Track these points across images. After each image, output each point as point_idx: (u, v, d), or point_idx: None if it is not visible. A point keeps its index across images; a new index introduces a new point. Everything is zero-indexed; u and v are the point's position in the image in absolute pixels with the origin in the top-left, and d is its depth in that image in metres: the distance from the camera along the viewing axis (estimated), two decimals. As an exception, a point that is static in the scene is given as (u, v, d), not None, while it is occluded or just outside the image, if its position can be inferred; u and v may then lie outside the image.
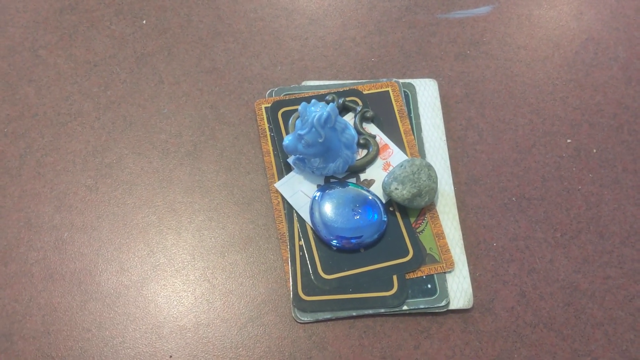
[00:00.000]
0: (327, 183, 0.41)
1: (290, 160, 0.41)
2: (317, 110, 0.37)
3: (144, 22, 0.48)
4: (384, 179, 0.40)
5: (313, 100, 0.39)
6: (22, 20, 0.48)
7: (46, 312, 0.37)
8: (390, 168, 0.41)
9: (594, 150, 0.44)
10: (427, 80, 0.46)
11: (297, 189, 0.40)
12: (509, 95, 0.46)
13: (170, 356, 0.35)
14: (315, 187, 0.40)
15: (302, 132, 0.38)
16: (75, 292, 0.37)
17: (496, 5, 0.50)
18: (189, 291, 0.37)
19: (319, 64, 0.46)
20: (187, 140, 0.43)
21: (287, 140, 0.39)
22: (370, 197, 0.39)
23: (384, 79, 0.45)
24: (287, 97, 0.44)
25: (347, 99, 0.44)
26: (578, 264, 0.40)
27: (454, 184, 0.42)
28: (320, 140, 0.38)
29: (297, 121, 0.39)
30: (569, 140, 0.44)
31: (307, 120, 0.37)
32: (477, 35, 0.49)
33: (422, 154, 0.43)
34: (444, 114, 0.45)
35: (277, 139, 0.42)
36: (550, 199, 0.42)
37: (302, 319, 0.37)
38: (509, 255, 0.40)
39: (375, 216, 0.39)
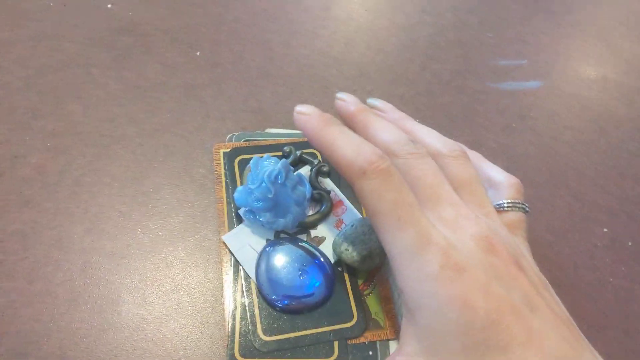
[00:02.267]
0: (277, 238, 0.40)
1: (241, 212, 0.40)
2: (269, 165, 0.37)
3: (198, 53, 0.48)
4: (335, 238, 0.39)
5: (266, 155, 0.38)
6: (78, 36, 0.48)
7: (65, 335, 0.37)
8: (343, 226, 0.41)
9: (629, 244, 0.43)
10: None
11: (246, 243, 0.40)
12: (549, 174, 0.46)
13: (181, 399, 0.35)
14: (264, 242, 0.40)
15: (252, 187, 0.38)
16: (96, 320, 0.37)
17: (547, 82, 0.50)
18: (207, 334, 0.37)
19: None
20: (225, 178, 0.43)
21: (238, 192, 0.39)
22: (318, 257, 0.39)
23: None
24: (247, 144, 0.44)
25: (305, 151, 0.43)
26: None
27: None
28: (269, 196, 0.38)
29: (248, 174, 0.39)
30: (605, 230, 0.44)
31: (257, 174, 0.37)
32: (525, 109, 0.49)
33: None
34: (482, 185, 0.45)
35: (231, 187, 0.42)
36: (580, 287, 0.41)
37: None
38: (532, 341, 0.39)
39: (320, 279, 0.38)
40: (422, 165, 0.33)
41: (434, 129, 0.47)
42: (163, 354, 0.36)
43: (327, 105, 0.47)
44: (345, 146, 0.33)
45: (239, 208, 0.41)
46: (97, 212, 0.41)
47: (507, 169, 0.46)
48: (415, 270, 0.30)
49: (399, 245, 0.30)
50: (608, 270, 0.42)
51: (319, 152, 0.37)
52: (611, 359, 0.39)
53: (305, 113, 0.36)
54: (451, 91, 0.49)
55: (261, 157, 0.38)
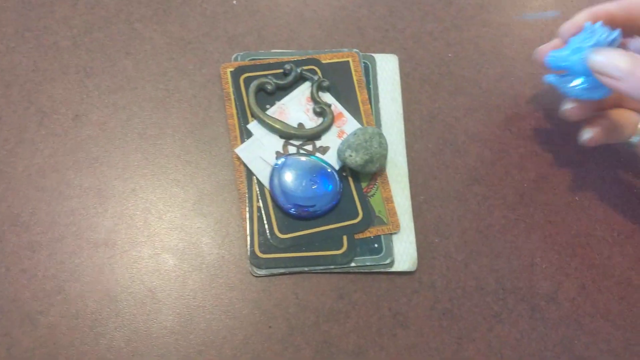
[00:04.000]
0: (286, 153, 0.44)
1: (550, 78, 0.42)
2: (605, 32, 0.38)
3: (235, 2, 0.49)
4: (339, 146, 0.43)
5: (598, 23, 0.39)
6: (116, -8, 0.49)
7: (154, 278, 0.40)
8: (344, 135, 0.45)
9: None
10: (387, 55, 0.49)
11: (257, 155, 0.43)
12: (574, 98, 0.49)
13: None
14: (274, 154, 0.44)
15: (589, 45, 0.38)
16: (180, 263, 0.40)
17: (564, 11, 0.53)
18: (231, 236, 0.41)
19: (400, 56, 0.49)
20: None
21: (563, 52, 0.40)
22: (326, 168, 0.43)
23: (345, 49, 0.48)
24: (251, 63, 0.47)
25: (305, 67, 0.46)
26: (632, 261, 0.44)
27: (523, 180, 0.45)
28: None
29: (573, 38, 0.40)
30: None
31: (595, 37, 0.38)
32: (546, 39, 0.51)
33: (378, 123, 0.46)
34: (514, 111, 0.48)
35: (237, 104, 0.45)
36: (609, 200, 0.45)
37: (258, 273, 0.41)
38: (571, 250, 0.44)
39: (330, 187, 0.42)
40: None
41: (465, 62, 0.50)
42: (195, 252, 0.41)
43: (363, 46, 0.49)
44: None
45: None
46: (165, 163, 0.43)
47: (535, 96, 0.49)
48: None
49: None
50: (631, 182, 0.46)
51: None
52: (640, 260, 0.44)
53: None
54: (477, 25, 0.51)
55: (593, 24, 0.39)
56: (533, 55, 0.44)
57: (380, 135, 0.42)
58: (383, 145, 0.42)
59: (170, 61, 0.47)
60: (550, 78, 0.42)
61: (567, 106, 0.43)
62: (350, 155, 0.42)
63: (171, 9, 0.49)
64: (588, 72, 0.39)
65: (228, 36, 0.48)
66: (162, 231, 0.41)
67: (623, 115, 0.44)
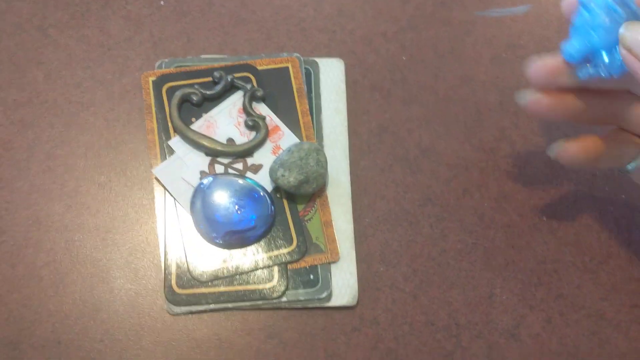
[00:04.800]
0: (212, 173, 0.39)
1: (584, 72, 0.32)
2: None
3: (162, 2, 0.45)
4: (271, 165, 0.38)
5: None
6: (31, -6, 0.44)
7: (57, 319, 0.35)
8: (280, 151, 0.40)
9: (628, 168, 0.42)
10: (332, 59, 0.44)
11: (178, 176, 0.38)
12: (543, 104, 0.44)
13: None
14: (197, 175, 0.39)
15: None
16: (88, 299, 0.36)
17: (535, 5, 0.48)
18: (148, 269, 0.36)
19: (348, 61, 0.44)
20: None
21: (575, 35, 0.31)
22: (257, 190, 0.38)
23: (284, 54, 0.43)
24: (176, 70, 0.41)
25: (238, 75, 0.41)
26: (605, 291, 0.39)
27: (483, 199, 0.40)
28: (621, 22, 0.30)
29: (578, 17, 0.32)
30: (603, 158, 0.42)
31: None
32: (514, 37, 0.46)
33: (319, 137, 0.41)
34: (475, 121, 0.43)
35: (159, 117, 0.40)
36: (581, 220, 0.40)
37: (175, 311, 0.36)
38: (536, 278, 0.39)
39: (257, 213, 0.37)
40: None
41: (421, 66, 0.45)
42: (105, 288, 0.36)
43: (307, 50, 0.44)
44: None
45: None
46: (75, 186, 0.38)
47: (500, 103, 0.44)
48: None
49: None
50: (607, 199, 0.41)
51: None
52: (616, 287, 0.39)
53: None
54: (436, 24, 0.46)
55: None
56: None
57: (319, 151, 0.37)
58: (321, 163, 0.37)
59: (86, 70, 0.42)
60: (583, 72, 0.32)
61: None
62: (283, 175, 0.37)
63: (90, 12, 0.44)
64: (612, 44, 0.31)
65: (153, 40, 0.43)
66: (68, 265, 0.36)
67: (624, 137, 0.36)
